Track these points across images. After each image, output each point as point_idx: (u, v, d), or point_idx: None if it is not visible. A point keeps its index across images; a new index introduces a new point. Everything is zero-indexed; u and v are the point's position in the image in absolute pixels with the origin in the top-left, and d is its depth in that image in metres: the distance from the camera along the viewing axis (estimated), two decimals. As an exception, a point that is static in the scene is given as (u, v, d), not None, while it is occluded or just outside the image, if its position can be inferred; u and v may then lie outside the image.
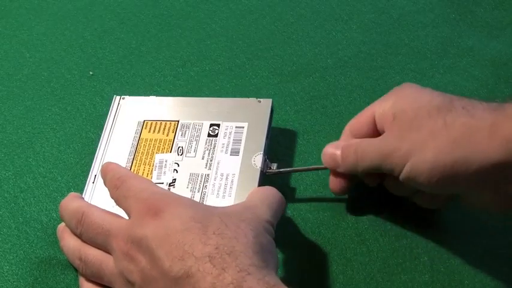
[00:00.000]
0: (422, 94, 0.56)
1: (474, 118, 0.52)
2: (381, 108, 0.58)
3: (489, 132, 0.51)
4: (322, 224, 0.61)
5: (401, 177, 0.55)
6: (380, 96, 0.68)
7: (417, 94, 0.57)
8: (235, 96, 0.69)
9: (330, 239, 0.60)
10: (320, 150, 0.65)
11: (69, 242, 0.56)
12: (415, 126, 0.54)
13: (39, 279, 0.58)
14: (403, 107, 0.56)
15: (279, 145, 0.66)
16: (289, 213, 0.61)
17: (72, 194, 0.58)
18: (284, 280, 0.48)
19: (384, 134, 0.57)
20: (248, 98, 0.65)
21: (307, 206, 0.62)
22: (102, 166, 0.58)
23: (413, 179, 0.54)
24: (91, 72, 0.74)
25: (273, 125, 0.65)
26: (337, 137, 0.66)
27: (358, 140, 0.58)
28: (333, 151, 0.59)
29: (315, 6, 0.79)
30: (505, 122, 0.51)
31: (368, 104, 0.68)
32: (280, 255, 0.58)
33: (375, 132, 0.59)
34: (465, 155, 0.52)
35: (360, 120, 0.60)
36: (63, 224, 0.57)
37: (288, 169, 0.63)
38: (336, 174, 0.60)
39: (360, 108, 0.68)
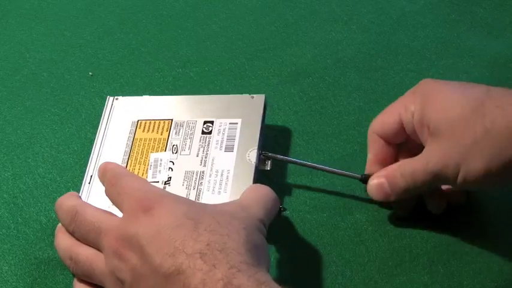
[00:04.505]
0: (450, 99, 0.56)
1: None
2: (408, 114, 0.58)
3: None
4: (321, 225, 0.61)
5: (458, 185, 0.55)
6: (380, 96, 0.69)
7: (445, 100, 0.56)
8: (234, 97, 0.69)
9: (329, 239, 0.60)
10: (319, 150, 0.66)
11: (62, 241, 0.55)
12: (455, 139, 0.54)
13: (39, 279, 0.58)
14: (436, 119, 0.56)
15: (278, 145, 0.66)
16: (287, 213, 0.61)
17: (70, 192, 0.58)
18: (282, 281, 0.48)
19: (425, 150, 0.56)
20: (241, 94, 0.65)
21: (306, 207, 0.62)
22: (101, 166, 0.58)
23: (469, 186, 0.56)
24: (90, 73, 0.74)
25: (273, 125, 0.65)
26: (336, 137, 0.66)
27: (398, 165, 0.58)
28: (378, 181, 0.59)
29: (315, 7, 0.79)
30: None
31: (367, 104, 0.69)
32: (278, 256, 0.58)
33: (403, 133, 0.59)
34: None
35: (385, 121, 0.60)
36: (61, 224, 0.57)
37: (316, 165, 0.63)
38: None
39: (360, 108, 0.68)
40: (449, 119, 0.55)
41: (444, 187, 0.60)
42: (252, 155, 0.60)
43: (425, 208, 0.60)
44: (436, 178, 0.56)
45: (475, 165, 0.54)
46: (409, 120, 0.58)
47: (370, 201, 0.61)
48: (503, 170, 0.53)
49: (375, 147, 0.61)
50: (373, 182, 0.59)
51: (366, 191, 0.61)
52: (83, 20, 0.79)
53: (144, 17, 0.79)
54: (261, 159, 0.61)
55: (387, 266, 0.58)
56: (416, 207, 0.61)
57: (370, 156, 0.61)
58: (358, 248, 0.59)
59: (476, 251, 0.59)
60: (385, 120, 0.60)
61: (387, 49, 0.74)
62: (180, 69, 0.73)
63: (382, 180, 0.58)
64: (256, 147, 0.61)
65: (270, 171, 0.61)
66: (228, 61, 0.74)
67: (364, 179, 0.60)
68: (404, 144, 0.60)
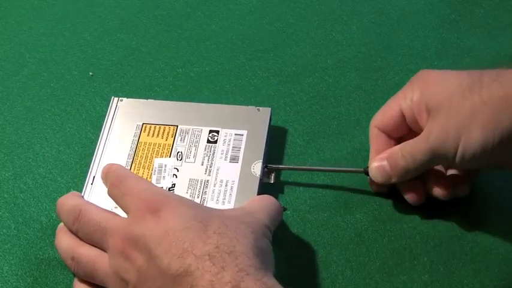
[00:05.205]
0: (447, 78, 0.57)
1: (509, 87, 0.54)
2: (407, 100, 0.59)
3: None
4: (322, 225, 0.61)
5: (457, 161, 0.56)
6: (380, 96, 0.69)
7: (442, 79, 0.57)
8: (235, 97, 0.69)
9: (329, 239, 0.60)
10: (319, 150, 0.66)
11: (63, 241, 0.55)
12: (454, 112, 0.55)
13: (39, 279, 0.58)
14: (435, 97, 0.56)
15: (278, 146, 0.66)
16: (288, 213, 0.61)
17: (72, 192, 0.58)
18: (283, 281, 0.48)
19: (426, 128, 0.57)
20: (247, 106, 0.65)
21: (306, 207, 0.62)
22: (104, 167, 0.59)
23: (469, 160, 0.55)
24: (91, 73, 0.74)
25: (273, 124, 0.65)
26: (336, 137, 0.67)
27: (399, 146, 0.59)
28: (379, 163, 0.59)
29: (315, 7, 0.79)
30: None
31: (368, 104, 0.69)
32: (278, 255, 0.58)
33: (404, 125, 0.60)
34: (510, 126, 0.53)
35: (386, 115, 0.61)
36: (62, 223, 0.57)
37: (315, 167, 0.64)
38: None
39: (360, 108, 0.68)
40: (447, 94, 0.56)
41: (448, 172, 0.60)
42: (257, 168, 0.61)
43: (426, 208, 0.61)
44: (436, 154, 0.56)
45: (473, 136, 0.54)
46: (408, 106, 0.59)
47: (372, 198, 0.61)
48: (500, 141, 0.54)
49: (377, 142, 0.61)
50: (374, 164, 0.59)
51: (369, 185, 0.61)
52: (83, 20, 0.79)
53: (144, 17, 0.79)
54: (265, 172, 0.61)
55: (387, 266, 0.58)
56: (416, 206, 0.61)
57: (373, 150, 0.61)
58: (359, 247, 0.59)
59: (476, 251, 0.59)
60: (386, 112, 0.61)
61: (387, 49, 0.74)
62: (180, 69, 0.74)
63: (384, 161, 0.59)
64: (261, 160, 0.61)
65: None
66: (228, 61, 0.74)
67: (368, 172, 0.60)
68: (406, 138, 0.60)
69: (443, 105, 0.56)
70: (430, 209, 0.61)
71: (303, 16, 0.78)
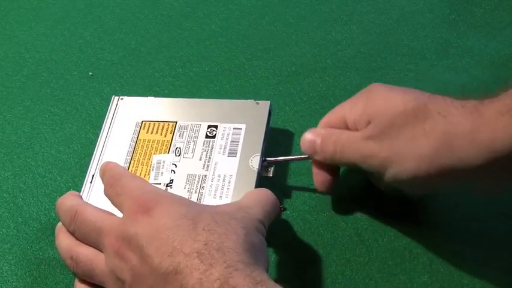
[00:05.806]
0: (393, 96, 0.56)
1: (452, 125, 0.52)
2: (351, 114, 0.58)
3: (469, 140, 0.51)
4: (321, 225, 0.61)
5: (385, 179, 0.56)
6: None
7: (388, 97, 0.56)
8: (234, 97, 0.69)
9: (329, 239, 0.60)
10: (319, 150, 0.66)
11: (63, 241, 0.56)
12: (393, 133, 0.54)
13: (39, 279, 0.58)
14: (377, 112, 0.56)
15: (278, 145, 0.66)
16: (288, 213, 0.61)
17: (70, 192, 0.58)
18: (283, 281, 0.48)
19: (364, 133, 0.56)
20: (246, 99, 0.65)
21: (306, 207, 0.62)
22: (101, 165, 0.59)
23: (396, 183, 0.56)
24: (90, 73, 0.74)
25: (272, 125, 0.65)
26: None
27: (338, 132, 0.58)
28: (312, 138, 0.59)
29: (315, 7, 0.79)
30: (483, 128, 0.51)
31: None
32: (278, 256, 0.59)
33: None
34: (446, 163, 0.52)
35: (331, 121, 0.60)
36: (60, 223, 0.57)
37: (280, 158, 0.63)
38: (318, 167, 0.60)
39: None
40: (390, 114, 0.55)
41: None
42: (255, 161, 0.61)
43: (426, 208, 0.61)
44: (363, 162, 0.56)
45: (405, 164, 0.54)
46: (351, 118, 0.58)
47: (372, 198, 0.61)
48: (432, 176, 0.53)
49: None
50: (307, 136, 0.59)
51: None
52: (83, 20, 0.79)
53: (144, 17, 0.79)
54: (263, 166, 0.61)
55: (387, 266, 0.58)
56: (416, 206, 0.61)
57: None
58: (358, 247, 0.59)
59: (476, 250, 0.59)
60: (331, 119, 0.60)
61: (387, 49, 0.74)
62: (180, 69, 0.74)
63: (318, 138, 0.59)
64: (260, 154, 0.61)
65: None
66: (228, 61, 0.74)
67: None
68: None
69: (383, 122, 0.55)
70: (430, 209, 0.61)
71: (303, 16, 0.78)
